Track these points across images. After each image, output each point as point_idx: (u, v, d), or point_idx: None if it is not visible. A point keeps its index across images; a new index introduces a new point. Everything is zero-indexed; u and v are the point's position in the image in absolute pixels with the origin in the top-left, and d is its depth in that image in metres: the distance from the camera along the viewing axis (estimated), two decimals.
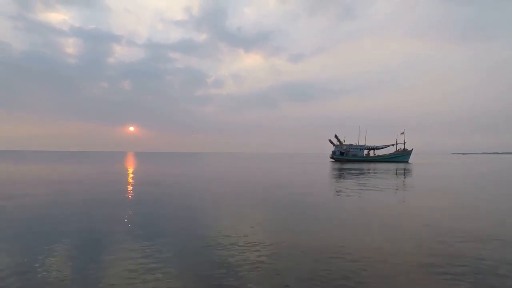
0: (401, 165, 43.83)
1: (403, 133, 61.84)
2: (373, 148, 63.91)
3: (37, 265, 4.71)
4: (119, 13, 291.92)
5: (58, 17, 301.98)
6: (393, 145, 62.32)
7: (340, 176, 23.54)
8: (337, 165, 42.53)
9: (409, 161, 59.53)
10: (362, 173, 26.52)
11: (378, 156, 63.35)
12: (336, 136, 64.74)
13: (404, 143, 61.71)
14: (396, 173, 27.60)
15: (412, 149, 61.32)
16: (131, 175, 23.23)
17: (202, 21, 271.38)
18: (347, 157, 62.58)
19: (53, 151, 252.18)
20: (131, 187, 15.39)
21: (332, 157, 64.33)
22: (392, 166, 42.06)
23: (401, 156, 60.80)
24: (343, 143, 64.28)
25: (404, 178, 22.62)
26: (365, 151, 63.95)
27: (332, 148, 65.00)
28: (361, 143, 64.59)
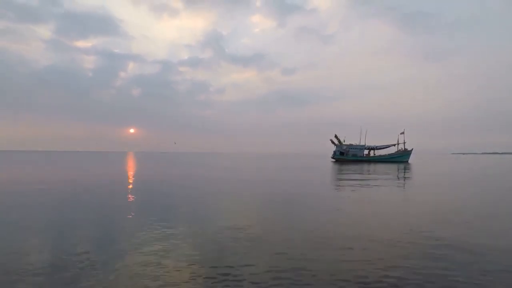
0: (401, 165, 43.95)
1: (403, 133, 61.89)
2: (373, 148, 63.92)
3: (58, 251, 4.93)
4: (139, 39, 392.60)
5: (87, 43, 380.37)
6: (394, 145, 62.32)
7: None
8: (337, 166, 42.56)
9: (409, 161, 59.57)
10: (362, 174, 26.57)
11: (378, 156, 63.37)
12: (336, 136, 64.71)
13: (404, 143, 61.76)
14: (398, 172, 27.72)
15: (412, 149, 61.38)
16: (142, 173, 23.41)
17: (206, 45, 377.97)
18: (347, 157, 62.60)
19: (61, 152, 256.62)
20: (142, 182, 15.59)
21: (333, 157, 64.30)
22: (392, 166, 42.15)
23: (401, 156, 60.84)
24: (343, 143, 64.29)
25: (404, 177, 22.73)
26: (365, 151, 63.99)
27: (334, 148, 64.89)
28: (362, 143, 64.60)
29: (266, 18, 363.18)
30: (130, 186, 16.02)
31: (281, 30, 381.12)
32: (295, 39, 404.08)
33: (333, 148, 65.09)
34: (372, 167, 38.79)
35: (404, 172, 28.48)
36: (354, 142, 64.70)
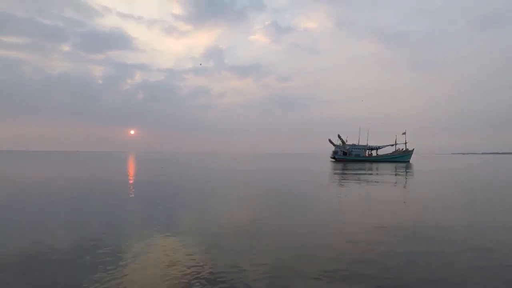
0: (402, 165, 44.81)
1: (404, 133, 62.65)
2: (375, 148, 64.64)
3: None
4: (149, 52, 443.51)
5: (101, 56, 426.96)
6: (392, 145, 63.16)
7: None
8: (341, 166, 43.28)
9: (410, 161, 60.36)
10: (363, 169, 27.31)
11: (380, 156, 64.14)
12: (339, 136, 65.10)
13: (406, 143, 62.52)
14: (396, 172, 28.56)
15: (413, 149, 62.17)
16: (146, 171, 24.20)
17: (208, 57, 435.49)
18: (349, 157, 63.17)
19: (69, 151, 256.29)
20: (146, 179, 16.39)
21: (333, 157, 64.61)
22: (393, 166, 43.00)
23: (403, 156, 61.64)
24: (346, 143, 64.83)
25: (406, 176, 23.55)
26: (367, 151, 64.64)
27: (333, 148, 65.26)
28: (361, 143, 65.30)
29: (263, 37, 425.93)
30: (133, 186, 16.83)
31: (276, 45, 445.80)
32: (288, 52, 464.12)
33: (332, 148, 65.52)
34: (374, 166, 39.62)
35: (406, 172, 29.32)
36: (354, 142, 65.41)
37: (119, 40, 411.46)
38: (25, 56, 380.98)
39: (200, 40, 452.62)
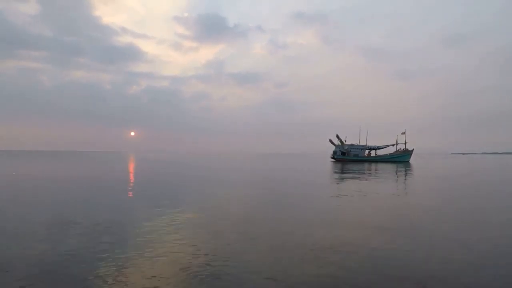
0: (401, 165, 45.00)
1: (404, 133, 62.64)
2: (374, 148, 64.70)
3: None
4: (157, 63, 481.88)
5: (113, 66, 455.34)
6: (393, 145, 63.19)
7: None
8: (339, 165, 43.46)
9: (410, 161, 60.42)
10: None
11: (379, 156, 64.19)
12: (337, 136, 65.29)
13: (405, 143, 62.53)
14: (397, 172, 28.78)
15: (413, 149, 62.20)
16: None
17: (210, 66, 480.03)
18: (348, 157, 63.34)
19: (76, 151, 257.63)
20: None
21: (333, 157, 64.88)
22: (393, 166, 43.21)
23: (402, 156, 61.64)
24: (345, 143, 64.99)
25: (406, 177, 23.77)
26: (366, 151, 64.74)
27: (333, 148, 65.46)
28: (361, 143, 65.40)
29: (261, 51, 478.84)
30: (135, 184, 17.08)
31: (272, 57, 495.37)
32: (284, 62, 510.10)
33: (332, 147, 65.73)
34: (373, 167, 39.83)
35: (405, 171, 29.57)
36: (355, 142, 65.54)
37: (131, 53, 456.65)
38: (43, 66, 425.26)
39: (203, 54, 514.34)
